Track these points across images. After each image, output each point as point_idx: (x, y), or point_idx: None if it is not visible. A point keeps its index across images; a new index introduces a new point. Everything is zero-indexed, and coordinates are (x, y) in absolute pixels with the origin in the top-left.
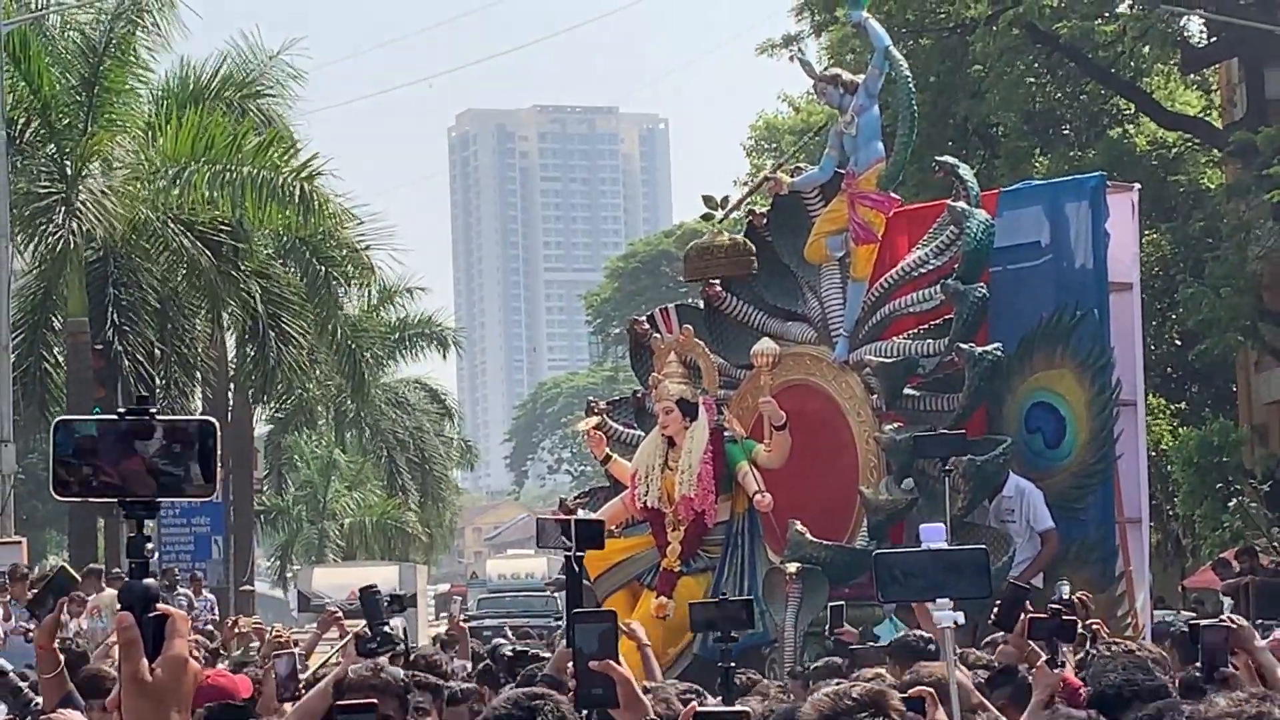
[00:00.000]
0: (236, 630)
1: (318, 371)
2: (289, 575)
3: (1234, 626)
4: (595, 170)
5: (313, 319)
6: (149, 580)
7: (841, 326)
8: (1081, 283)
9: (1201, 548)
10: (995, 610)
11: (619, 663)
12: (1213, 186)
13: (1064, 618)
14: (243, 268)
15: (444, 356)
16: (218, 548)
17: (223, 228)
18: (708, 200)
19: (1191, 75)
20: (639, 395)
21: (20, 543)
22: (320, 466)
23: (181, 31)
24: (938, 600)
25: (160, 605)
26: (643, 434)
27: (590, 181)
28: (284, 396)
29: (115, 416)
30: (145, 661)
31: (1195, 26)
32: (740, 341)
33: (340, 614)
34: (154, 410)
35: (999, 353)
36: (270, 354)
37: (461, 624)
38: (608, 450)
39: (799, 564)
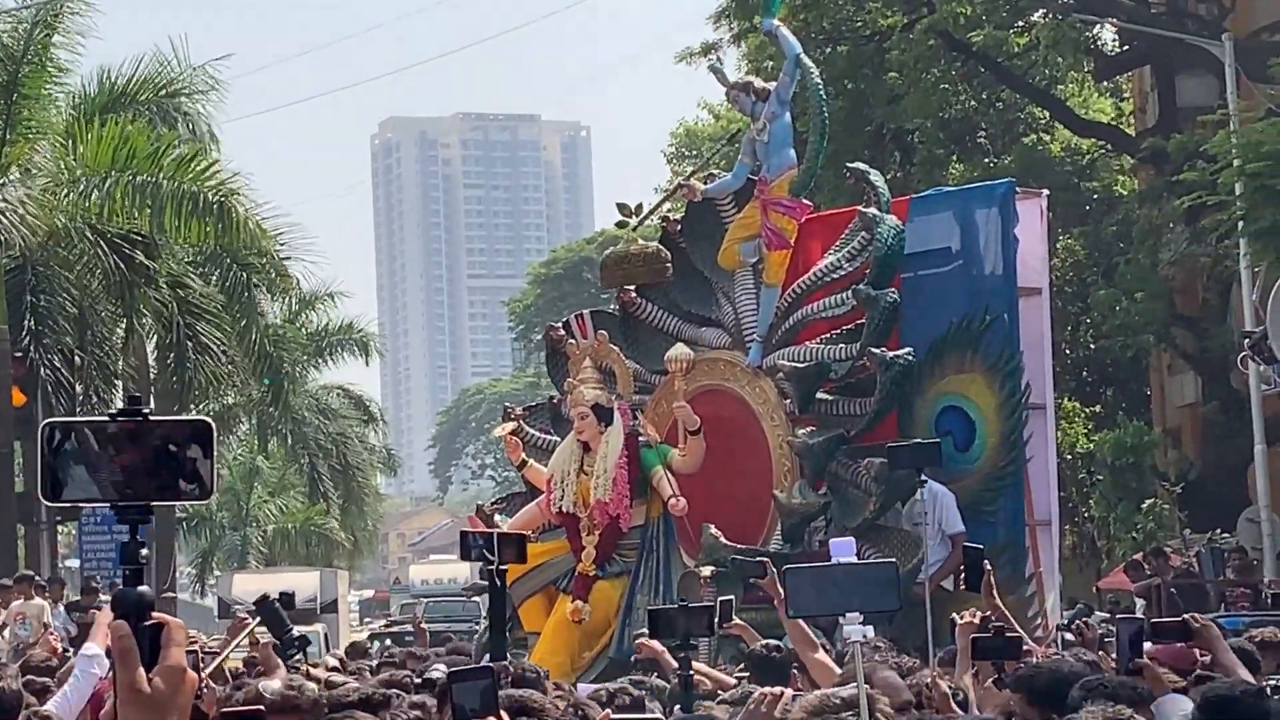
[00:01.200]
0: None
1: (237, 380)
2: (210, 582)
3: (1196, 626)
4: (518, 177)
5: (231, 328)
6: (144, 587)
7: (755, 332)
8: (991, 288)
9: (1116, 549)
10: (963, 576)
11: (500, 719)
12: (1125, 192)
13: (1008, 635)
14: (158, 278)
15: (366, 362)
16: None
17: (136, 237)
18: (622, 208)
19: (1104, 83)
20: (555, 401)
21: None
22: (242, 473)
23: (100, 39)
24: (847, 615)
25: (156, 613)
26: (559, 439)
27: (513, 189)
28: (204, 404)
29: (107, 418)
30: (142, 671)
31: (1108, 35)
32: (655, 347)
33: (250, 621)
34: (147, 411)
35: (910, 357)
36: (188, 364)
37: (423, 626)
38: (524, 456)
39: (713, 567)
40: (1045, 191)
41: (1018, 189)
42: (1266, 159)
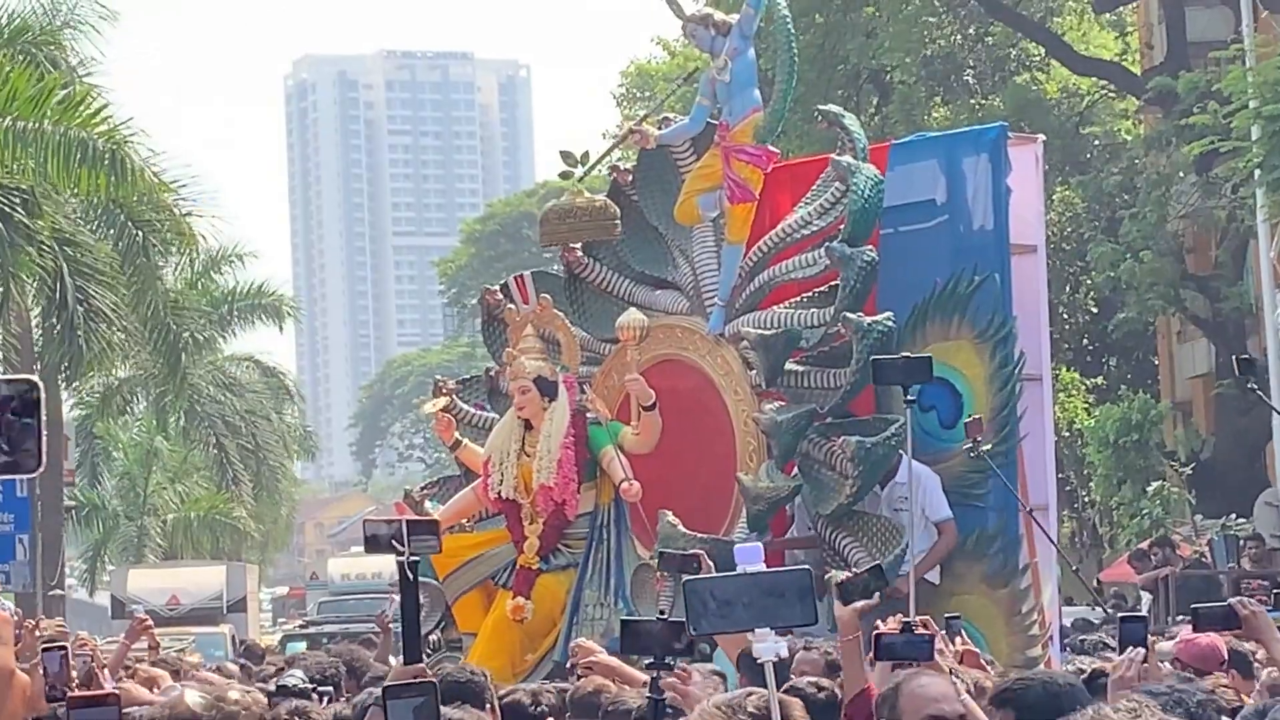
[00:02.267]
0: (38, 633)
1: (134, 351)
2: (103, 578)
3: (1246, 613)
4: (449, 123)
5: (126, 292)
6: None
7: (716, 295)
8: (981, 245)
9: (1119, 537)
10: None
11: None
12: (1129, 138)
13: (916, 633)
14: (41, 235)
15: (280, 330)
16: (23, 548)
17: (15, 191)
18: (566, 156)
19: (1106, 15)
20: (492, 373)
21: None
22: (139, 456)
23: None
24: (757, 631)
25: None
26: (496, 416)
27: (444, 136)
28: (95, 378)
29: None
30: None
31: None
32: (604, 312)
33: (150, 622)
34: None
35: (890, 323)
36: (77, 332)
37: (390, 624)
38: (457, 435)
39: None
40: (1041, 137)
41: (1010, 134)
42: None
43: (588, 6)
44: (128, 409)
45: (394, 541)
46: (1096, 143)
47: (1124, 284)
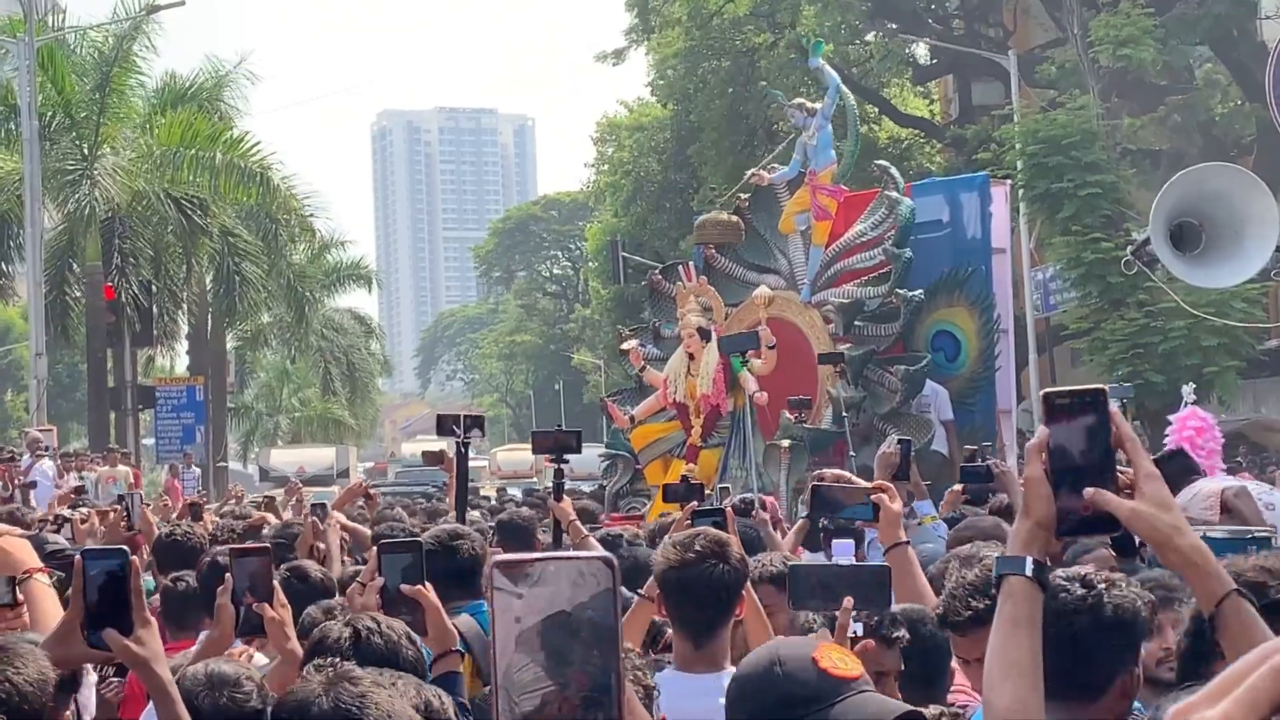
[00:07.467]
0: (236, 493)
1: (273, 305)
2: (252, 455)
3: (998, 471)
4: (481, 156)
5: (267, 266)
6: None
7: (805, 278)
8: (972, 248)
9: None
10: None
11: (428, 588)
12: (934, 169)
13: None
14: (213, 229)
15: (369, 291)
16: (200, 435)
17: (196, 199)
18: (721, 186)
19: (919, 87)
20: (656, 325)
21: (51, 430)
22: (276, 374)
23: (169, 47)
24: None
25: None
26: (658, 352)
27: (477, 164)
28: (246, 323)
29: None
30: None
31: (922, 50)
32: (729, 287)
33: (300, 485)
34: None
35: (921, 296)
36: (235, 292)
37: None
38: (643, 362)
39: (790, 440)
40: (1009, 181)
41: (991, 178)
42: (1041, 143)
43: (575, 79)
44: (268, 343)
45: (454, 426)
46: (911, 172)
47: None
